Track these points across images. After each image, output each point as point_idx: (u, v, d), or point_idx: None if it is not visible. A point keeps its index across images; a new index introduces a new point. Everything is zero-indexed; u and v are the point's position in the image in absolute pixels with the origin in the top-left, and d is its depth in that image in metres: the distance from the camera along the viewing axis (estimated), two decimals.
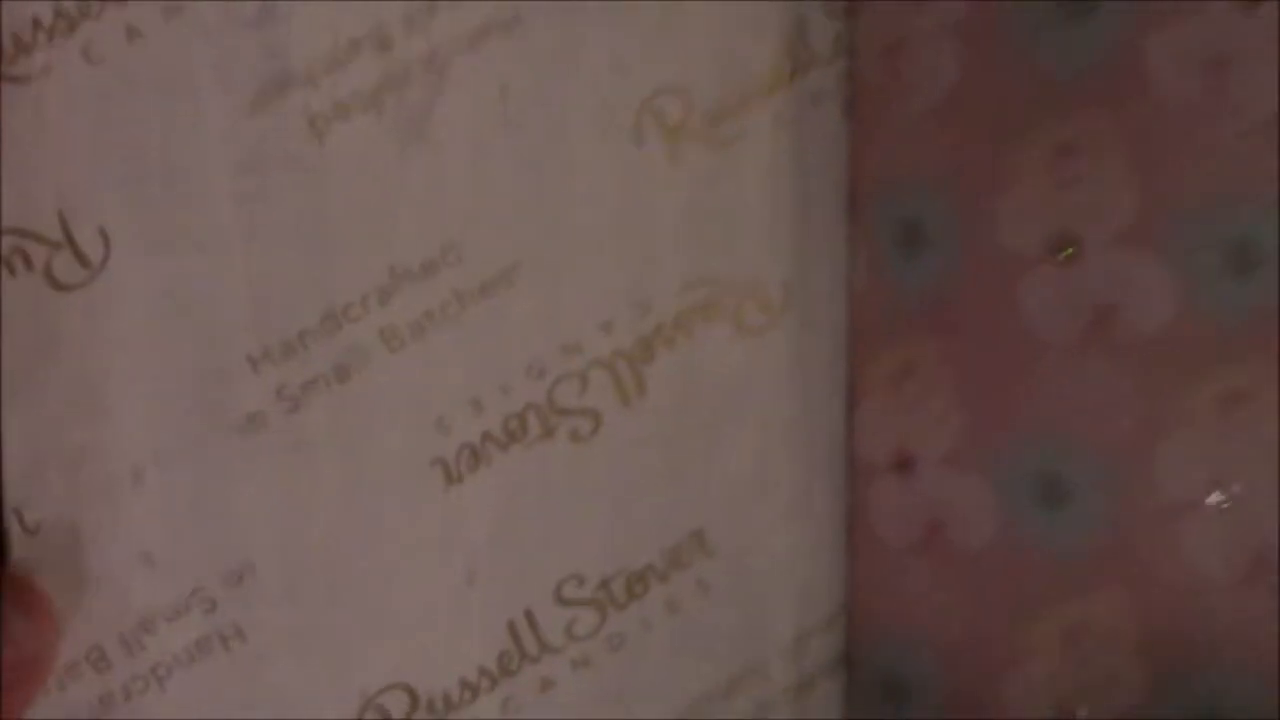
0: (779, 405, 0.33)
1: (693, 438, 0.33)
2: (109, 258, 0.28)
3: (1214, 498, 0.30)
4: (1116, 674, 0.32)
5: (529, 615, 0.32)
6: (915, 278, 0.32)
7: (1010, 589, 0.33)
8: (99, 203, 0.28)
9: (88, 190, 0.27)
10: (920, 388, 0.33)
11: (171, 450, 0.29)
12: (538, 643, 0.32)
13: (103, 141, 0.27)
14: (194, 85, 0.28)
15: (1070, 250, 0.28)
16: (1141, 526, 0.31)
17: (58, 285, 0.28)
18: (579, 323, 0.31)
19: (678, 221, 0.32)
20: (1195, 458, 0.30)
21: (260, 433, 0.29)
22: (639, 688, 0.33)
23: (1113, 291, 0.30)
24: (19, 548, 0.27)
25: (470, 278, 0.30)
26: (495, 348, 0.31)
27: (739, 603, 0.34)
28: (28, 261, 0.27)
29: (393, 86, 0.29)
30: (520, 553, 0.32)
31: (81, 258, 0.28)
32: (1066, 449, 0.32)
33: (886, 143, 0.32)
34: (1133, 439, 0.31)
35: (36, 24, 0.27)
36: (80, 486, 0.28)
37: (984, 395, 0.32)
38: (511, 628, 0.32)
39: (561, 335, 0.31)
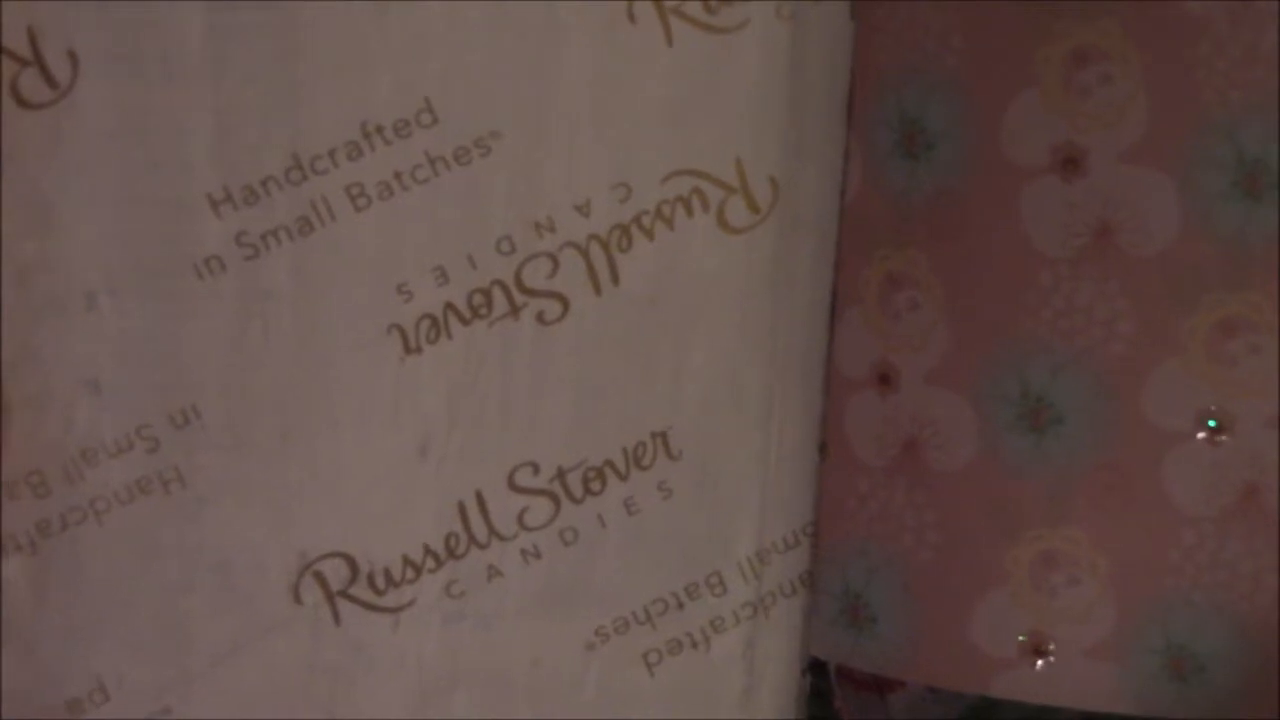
0: (758, 309, 0.33)
1: (665, 335, 0.33)
2: (76, 80, 0.28)
3: (1202, 433, 0.29)
4: (1087, 606, 0.31)
5: (480, 498, 0.32)
6: (913, 183, 0.32)
7: (985, 514, 0.32)
8: (70, 24, 0.28)
9: (60, 10, 0.28)
10: (908, 300, 0.32)
11: (125, 280, 0.29)
12: (487, 528, 0.32)
13: None
14: None
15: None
16: (1125, 456, 0.31)
17: (23, 102, 0.28)
18: (554, 200, 0.31)
19: (667, 106, 0.32)
20: (1187, 387, 0.30)
21: (217, 276, 0.30)
22: (589, 586, 0.33)
23: (1116, 209, 0.30)
24: None
25: (443, 142, 0.31)
26: (465, 217, 0.31)
27: (700, 511, 0.33)
28: None
29: None
30: (475, 432, 0.32)
31: (49, 78, 0.28)
32: (1055, 371, 0.31)
33: (893, 40, 0.31)
34: (1124, 364, 0.30)
35: None
36: (31, 301, 0.29)
37: (974, 310, 0.32)
38: (461, 509, 0.32)
39: (534, 211, 0.31)
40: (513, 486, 0.32)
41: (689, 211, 0.32)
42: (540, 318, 0.32)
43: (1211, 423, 0.29)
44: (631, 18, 0.31)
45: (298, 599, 0.31)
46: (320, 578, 0.31)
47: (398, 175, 0.30)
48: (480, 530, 0.32)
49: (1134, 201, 0.30)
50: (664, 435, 0.33)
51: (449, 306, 0.31)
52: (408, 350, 0.31)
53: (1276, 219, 0.28)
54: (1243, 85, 0.28)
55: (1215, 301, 0.29)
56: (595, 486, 0.33)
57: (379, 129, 0.30)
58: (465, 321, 0.31)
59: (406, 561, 0.32)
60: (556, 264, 0.32)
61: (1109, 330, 0.30)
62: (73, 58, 0.29)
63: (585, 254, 0.32)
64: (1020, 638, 0.33)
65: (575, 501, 0.33)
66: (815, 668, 0.36)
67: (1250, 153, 0.28)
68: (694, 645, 0.34)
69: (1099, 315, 0.30)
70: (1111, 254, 0.30)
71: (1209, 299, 0.30)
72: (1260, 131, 0.28)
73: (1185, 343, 0.30)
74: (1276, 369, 0.29)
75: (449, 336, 0.31)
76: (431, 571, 0.32)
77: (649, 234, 0.32)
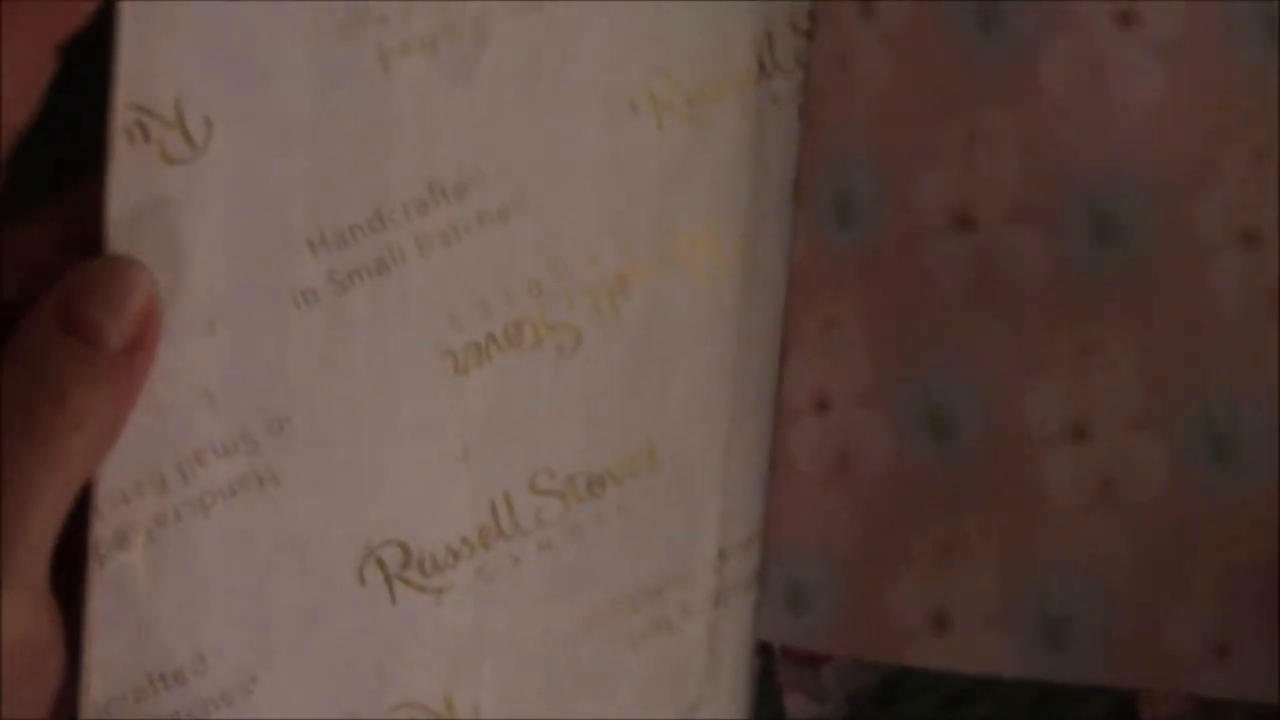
0: (726, 346, 0.42)
1: (654, 363, 0.41)
2: (210, 141, 0.35)
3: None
4: (979, 585, 0.41)
5: (508, 497, 0.39)
6: (844, 246, 0.41)
7: (898, 509, 0.41)
8: (207, 95, 0.35)
9: (199, 85, 0.35)
10: (839, 339, 0.42)
11: (239, 310, 0.36)
12: (513, 523, 0.39)
13: (213, 45, 0.35)
14: (287, 14, 0.36)
15: None
16: (1010, 457, 0.40)
17: (167, 159, 0.35)
18: (571, 252, 0.40)
19: (657, 179, 0.41)
20: (1057, 399, 0.40)
21: (313, 307, 0.37)
22: (589, 574, 0.40)
23: (998, 257, 0.40)
24: None
25: (490, 202, 0.38)
26: (504, 263, 0.39)
27: (675, 514, 0.41)
28: (146, 135, 0.35)
29: (447, 35, 0.37)
30: (506, 442, 0.39)
31: (189, 139, 0.35)
32: (954, 389, 0.41)
33: (830, 133, 0.41)
34: (1007, 381, 0.40)
35: None
36: (164, 325, 0.35)
37: (890, 345, 0.41)
38: (493, 506, 0.39)
39: (556, 261, 0.39)
40: (533, 489, 0.40)
41: (674, 264, 0.41)
42: (559, 348, 0.40)
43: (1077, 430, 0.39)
44: (634, 109, 0.40)
45: (362, 580, 0.38)
46: (380, 562, 0.38)
47: (454, 228, 0.38)
48: (507, 524, 0.39)
49: (1012, 250, 0.40)
50: (651, 449, 0.41)
51: (490, 337, 0.39)
52: (456, 371, 0.39)
53: (1126, 262, 0.39)
54: (1102, 154, 0.39)
55: (1078, 330, 0.40)
56: (597, 490, 0.41)
57: (442, 189, 0.38)
58: (502, 350, 0.39)
59: (449, 550, 0.39)
60: (573, 303, 0.40)
61: (994, 355, 0.40)
62: (208, 122, 0.35)
63: (594, 296, 0.40)
64: (927, 614, 0.41)
65: (581, 501, 0.40)
66: (762, 649, 0.44)
67: (1104, 208, 0.39)
68: (669, 629, 0.42)
69: (985, 343, 0.40)
70: (995, 294, 0.40)
71: (1072, 327, 0.40)
72: (1112, 191, 0.39)
73: (1054, 363, 0.40)
74: (1125, 384, 0.39)
75: (490, 361, 0.39)
76: (467, 558, 0.39)
77: (642, 281, 0.41)
